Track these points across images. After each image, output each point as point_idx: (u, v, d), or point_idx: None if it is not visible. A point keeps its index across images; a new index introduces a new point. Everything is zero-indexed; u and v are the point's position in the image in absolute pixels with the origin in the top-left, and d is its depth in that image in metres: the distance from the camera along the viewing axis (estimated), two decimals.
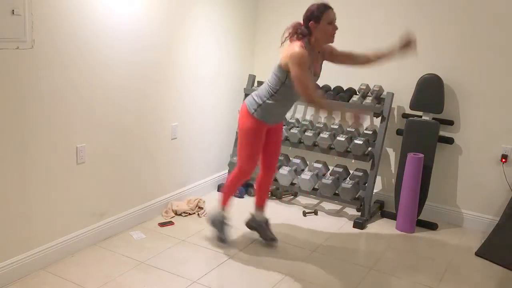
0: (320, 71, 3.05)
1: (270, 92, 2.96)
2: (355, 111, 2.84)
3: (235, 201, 4.14)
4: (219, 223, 3.32)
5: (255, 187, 3.41)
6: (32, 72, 2.65)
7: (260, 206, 3.41)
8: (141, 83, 3.40)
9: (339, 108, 2.77)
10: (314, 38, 2.86)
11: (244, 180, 3.23)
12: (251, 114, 3.00)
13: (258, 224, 3.41)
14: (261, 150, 3.16)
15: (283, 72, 2.87)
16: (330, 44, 2.98)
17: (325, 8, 2.82)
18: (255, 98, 3.02)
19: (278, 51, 2.94)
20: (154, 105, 3.55)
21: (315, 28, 2.83)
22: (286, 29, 2.91)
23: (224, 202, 3.30)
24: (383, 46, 3.02)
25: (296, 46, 2.78)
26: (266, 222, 3.41)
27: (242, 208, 3.99)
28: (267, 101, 2.97)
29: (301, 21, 2.90)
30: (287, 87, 2.90)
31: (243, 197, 4.24)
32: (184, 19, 3.69)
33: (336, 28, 2.87)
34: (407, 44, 2.96)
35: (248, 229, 3.47)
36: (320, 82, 4.03)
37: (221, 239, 3.30)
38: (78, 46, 2.88)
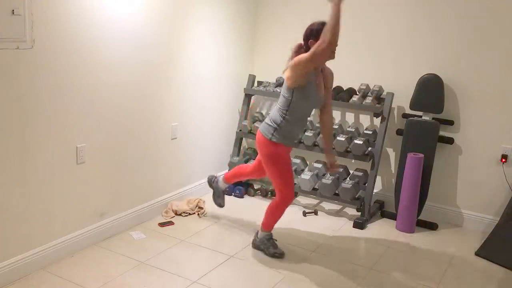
0: (323, 90, 3.06)
1: (282, 114, 3.00)
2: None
3: (234, 201, 4.14)
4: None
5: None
6: (32, 72, 2.65)
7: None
8: (141, 83, 3.40)
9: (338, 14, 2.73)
10: None
11: (289, 204, 3.18)
12: (269, 139, 3.02)
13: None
14: (291, 168, 3.15)
15: (289, 91, 2.95)
16: (331, 84, 3.14)
17: (324, 25, 2.81)
18: (269, 123, 3.05)
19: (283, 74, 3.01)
20: (154, 105, 3.55)
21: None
22: (291, 53, 2.97)
23: (270, 227, 3.25)
24: (327, 147, 3.29)
25: (297, 57, 2.86)
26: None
27: (242, 208, 3.99)
28: (281, 123, 2.99)
29: (302, 42, 2.95)
30: (296, 104, 2.96)
31: (243, 197, 4.23)
32: (184, 19, 3.69)
33: (336, 44, 2.86)
34: (332, 167, 3.27)
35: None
36: None
37: (273, 254, 3.20)
38: (78, 46, 2.88)
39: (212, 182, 3.72)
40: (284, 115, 3.00)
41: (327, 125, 3.21)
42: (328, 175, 3.94)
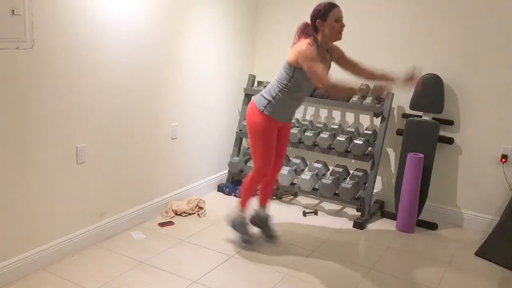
0: (329, 70, 3.08)
1: (279, 86, 2.99)
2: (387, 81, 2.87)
3: (234, 201, 4.14)
4: (240, 225, 3.31)
5: (260, 185, 3.40)
6: (32, 72, 2.65)
7: (263, 204, 3.42)
8: (141, 83, 3.40)
9: (354, 84, 2.82)
10: (321, 36, 2.91)
11: (262, 180, 3.23)
12: (261, 111, 3.01)
13: (261, 221, 3.42)
14: (275, 149, 3.13)
15: (291, 68, 2.92)
16: (341, 50, 3.08)
17: (331, 6, 2.87)
18: (264, 95, 3.04)
19: (288, 49, 2.99)
20: (154, 105, 3.55)
21: (322, 26, 2.88)
22: (296, 30, 2.98)
23: (243, 203, 3.29)
24: (390, 71, 3.08)
25: (303, 44, 2.85)
26: (267, 217, 3.42)
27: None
28: (277, 96, 2.98)
29: (309, 21, 2.94)
30: (295, 82, 2.95)
31: None
32: (184, 19, 3.69)
33: (343, 25, 2.91)
34: (410, 79, 2.94)
35: (256, 227, 3.47)
36: None
37: (246, 240, 3.30)
38: (78, 46, 2.88)
39: (234, 224, 3.35)
40: (281, 88, 2.98)
41: (371, 72, 3.07)
42: (328, 175, 3.95)
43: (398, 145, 3.95)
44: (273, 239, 3.40)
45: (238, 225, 3.31)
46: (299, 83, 2.94)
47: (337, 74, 3.08)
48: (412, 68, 2.92)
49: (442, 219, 3.92)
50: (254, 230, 3.40)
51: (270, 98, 3.00)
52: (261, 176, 3.18)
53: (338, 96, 2.76)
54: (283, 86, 2.98)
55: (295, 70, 2.90)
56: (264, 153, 3.09)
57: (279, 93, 2.99)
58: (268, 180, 3.34)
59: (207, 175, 4.27)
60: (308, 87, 3.03)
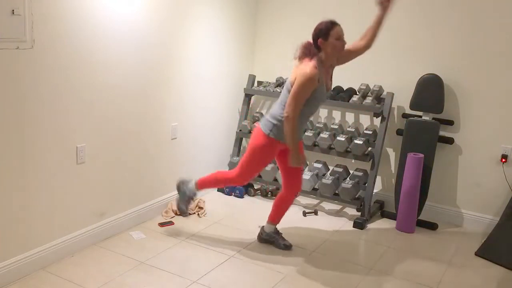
0: (331, 83, 3.13)
1: (283, 109, 2.96)
2: (302, 157, 3.09)
3: (234, 201, 4.14)
4: (187, 197, 3.38)
5: (274, 201, 3.34)
6: (32, 72, 2.65)
7: (273, 221, 3.35)
8: (141, 83, 3.40)
9: (294, 145, 2.97)
10: (324, 55, 2.94)
11: (237, 184, 3.29)
12: (267, 135, 3.03)
13: (269, 236, 3.35)
14: (263, 167, 3.21)
15: None
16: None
17: (332, 25, 2.91)
18: (269, 119, 3.05)
19: (292, 64, 3.02)
20: (154, 105, 3.55)
21: (324, 44, 2.91)
22: (298, 48, 2.99)
23: (202, 187, 3.36)
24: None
25: (308, 67, 2.87)
26: (277, 232, 3.35)
27: (242, 208, 3.99)
28: (282, 119, 2.96)
29: (310, 40, 2.96)
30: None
31: (243, 197, 4.23)
32: (184, 19, 3.69)
33: (344, 43, 2.95)
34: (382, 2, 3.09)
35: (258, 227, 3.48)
36: None
37: (182, 210, 3.45)
38: (78, 46, 2.88)
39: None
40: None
41: (363, 38, 3.12)
42: (328, 175, 3.95)
43: (398, 145, 3.95)
44: (288, 248, 3.30)
45: (185, 195, 3.37)
46: (305, 104, 2.93)
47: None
48: None
49: (442, 219, 3.92)
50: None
51: (276, 122, 3.01)
52: (238, 182, 3.26)
53: (285, 132, 2.92)
54: None
55: None
56: (254, 167, 3.16)
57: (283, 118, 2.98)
58: (285, 197, 3.29)
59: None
60: (314, 106, 3.06)
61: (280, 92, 3.07)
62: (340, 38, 2.92)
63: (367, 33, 3.13)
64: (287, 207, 3.34)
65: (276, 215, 3.34)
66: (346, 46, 3.02)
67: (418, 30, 3.82)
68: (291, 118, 2.88)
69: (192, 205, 3.83)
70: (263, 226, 3.37)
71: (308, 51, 2.94)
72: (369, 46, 3.15)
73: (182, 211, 3.48)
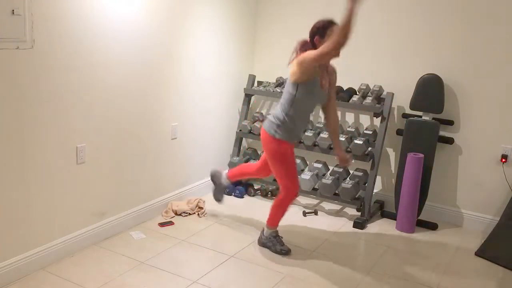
0: (328, 87, 3.08)
1: (286, 108, 3.03)
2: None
3: (234, 201, 4.14)
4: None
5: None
6: (32, 72, 2.65)
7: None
8: (141, 83, 3.40)
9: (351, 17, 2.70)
10: None
11: (295, 197, 3.20)
12: (273, 136, 3.05)
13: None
14: (295, 167, 3.17)
15: (294, 86, 2.97)
16: (335, 86, 3.17)
17: (329, 23, 2.91)
18: (272, 120, 3.08)
19: (288, 67, 3.03)
20: (154, 105, 3.55)
21: (320, 42, 2.91)
22: (293, 51, 3.01)
23: (275, 223, 3.27)
24: (337, 141, 3.27)
25: (300, 56, 2.90)
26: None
27: (242, 208, 3.99)
28: (284, 119, 3.02)
29: (307, 38, 2.98)
30: (299, 100, 2.99)
31: (243, 197, 4.23)
32: (184, 19, 3.69)
33: (345, 45, 2.88)
34: (345, 161, 3.27)
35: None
36: None
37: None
38: (78, 46, 2.88)
39: (215, 176, 3.72)
40: (287, 111, 3.02)
41: (332, 122, 3.20)
42: (328, 175, 3.95)
43: (398, 145, 3.95)
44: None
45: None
46: (303, 100, 2.97)
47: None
48: (341, 157, 3.24)
49: (442, 219, 3.92)
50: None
51: (279, 123, 3.05)
52: (293, 195, 3.18)
53: (348, 33, 2.67)
54: (289, 108, 3.02)
55: (298, 87, 2.95)
56: (288, 174, 3.12)
57: (286, 117, 3.03)
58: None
59: (207, 175, 4.26)
60: (312, 102, 3.08)
61: (280, 92, 3.08)
62: None
63: (332, 129, 3.22)
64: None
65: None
66: (333, 95, 3.12)
67: (418, 30, 3.82)
68: (334, 45, 2.71)
69: (192, 205, 3.84)
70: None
71: (303, 48, 2.95)
72: (324, 120, 3.27)
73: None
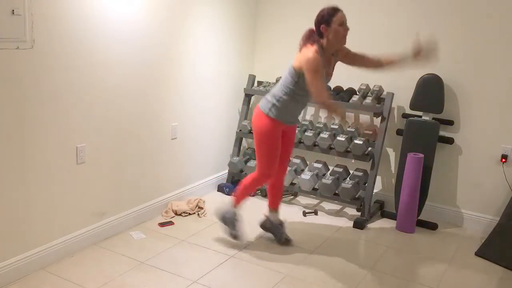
0: (333, 72, 3.11)
1: (284, 90, 3.00)
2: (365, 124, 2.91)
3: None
4: (230, 220, 3.29)
5: (267, 189, 3.42)
6: (32, 72, 2.65)
7: (274, 207, 3.41)
8: (141, 83, 3.40)
9: (343, 110, 2.88)
10: (326, 41, 2.92)
11: (264, 183, 3.22)
12: (266, 114, 3.03)
13: (273, 226, 3.40)
14: (280, 152, 3.14)
15: (296, 73, 2.94)
16: (346, 48, 3.07)
17: (335, 11, 2.89)
18: (269, 98, 3.06)
19: (294, 56, 3.00)
20: (154, 105, 3.55)
21: (327, 31, 2.89)
22: (301, 37, 2.98)
23: (238, 201, 3.29)
24: (396, 51, 3.05)
25: (310, 52, 2.84)
26: (281, 223, 3.38)
27: (242, 208, 3.99)
28: (282, 98, 3.00)
29: (313, 27, 2.96)
30: (300, 86, 2.96)
31: None
32: (184, 19, 3.69)
33: (347, 29, 2.93)
34: (419, 53, 2.96)
35: (260, 229, 3.48)
36: None
37: (234, 235, 3.30)
38: (78, 46, 2.88)
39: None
40: (285, 93, 3.00)
41: (377, 60, 3.07)
42: (328, 175, 3.95)
43: (398, 145, 3.95)
44: (288, 242, 3.34)
45: (228, 220, 3.30)
46: (304, 87, 2.95)
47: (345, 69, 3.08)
48: (417, 39, 2.90)
49: (442, 219, 3.92)
50: (242, 227, 3.37)
51: (275, 101, 3.02)
52: (264, 178, 3.18)
53: (329, 113, 2.82)
54: (288, 89, 2.99)
55: (300, 75, 2.92)
56: (269, 155, 3.10)
57: (283, 96, 3.01)
58: (275, 183, 3.34)
59: (207, 175, 4.27)
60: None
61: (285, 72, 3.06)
62: (343, 24, 2.89)
63: (386, 60, 3.05)
64: (281, 192, 3.40)
65: (274, 201, 3.38)
66: (357, 51, 3.03)
67: (418, 30, 3.81)
68: (323, 101, 2.82)
69: (192, 205, 3.84)
70: (268, 215, 3.39)
71: (310, 38, 2.93)
72: (377, 70, 3.16)
73: (236, 236, 3.30)
